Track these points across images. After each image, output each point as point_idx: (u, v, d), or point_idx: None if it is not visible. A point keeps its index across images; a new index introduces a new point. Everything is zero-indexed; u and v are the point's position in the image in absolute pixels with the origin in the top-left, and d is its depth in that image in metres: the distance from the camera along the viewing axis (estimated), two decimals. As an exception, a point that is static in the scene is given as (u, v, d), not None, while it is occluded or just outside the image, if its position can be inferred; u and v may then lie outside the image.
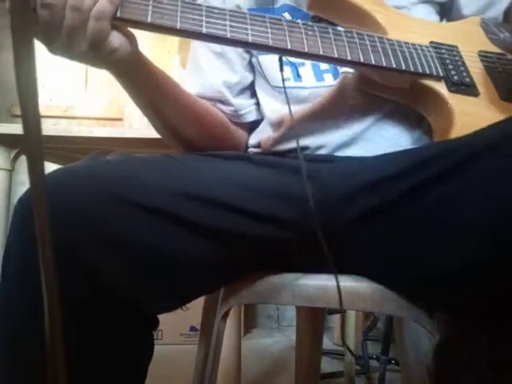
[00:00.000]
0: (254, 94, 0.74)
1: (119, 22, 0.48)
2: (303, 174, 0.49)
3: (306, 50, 0.53)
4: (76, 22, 0.45)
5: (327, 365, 1.43)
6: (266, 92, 0.71)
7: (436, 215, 0.44)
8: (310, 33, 0.54)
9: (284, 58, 0.64)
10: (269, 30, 0.52)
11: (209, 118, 0.69)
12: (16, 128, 1.20)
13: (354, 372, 1.26)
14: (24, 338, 0.41)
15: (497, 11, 0.71)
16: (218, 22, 0.50)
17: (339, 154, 0.61)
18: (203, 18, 0.50)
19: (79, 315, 0.41)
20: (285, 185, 0.54)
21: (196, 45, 0.75)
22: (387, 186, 0.49)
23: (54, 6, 0.45)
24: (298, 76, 0.65)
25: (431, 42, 0.62)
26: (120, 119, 1.90)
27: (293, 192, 0.52)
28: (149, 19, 0.47)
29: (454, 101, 0.58)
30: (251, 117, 0.73)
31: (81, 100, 2.03)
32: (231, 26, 0.51)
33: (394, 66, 0.56)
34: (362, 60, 0.55)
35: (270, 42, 0.51)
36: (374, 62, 0.56)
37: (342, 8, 0.63)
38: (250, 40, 0.51)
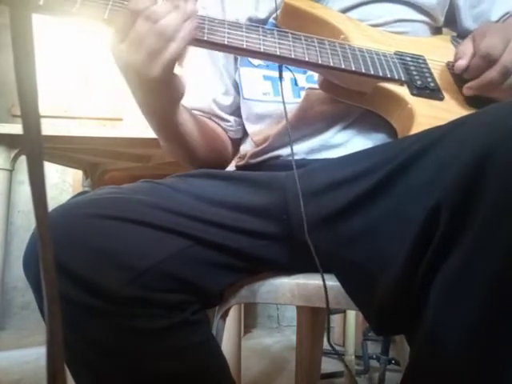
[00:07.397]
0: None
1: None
2: (296, 177, 0.52)
3: (262, 50, 0.54)
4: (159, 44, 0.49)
5: (327, 365, 1.43)
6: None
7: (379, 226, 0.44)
8: (268, 36, 0.55)
9: (264, 73, 0.68)
10: (226, 30, 0.54)
11: (214, 136, 0.74)
12: (16, 128, 1.20)
13: (354, 372, 1.26)
14: None
15: None
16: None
17: (311, 157, 0.63)
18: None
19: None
20: (252, 197, 0.55)
21: (202, 61, 0.77)
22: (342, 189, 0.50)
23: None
24: (277, 91, 0.66)
25: (396, 52, 0.63)
26: (120, 119, 1.90)
27: (260, 204, 0.54)
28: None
29: (416, 102, 0.58)
30: (240, 132, 0.79)
31: (80, 100, 2.03)
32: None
33: (354, 68, 0.57)
34: (319, 62, 0.55)
35: (226, 41, 0.53)
36: (332, 64, 0.56)
37: (310, 22, 0.64)
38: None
